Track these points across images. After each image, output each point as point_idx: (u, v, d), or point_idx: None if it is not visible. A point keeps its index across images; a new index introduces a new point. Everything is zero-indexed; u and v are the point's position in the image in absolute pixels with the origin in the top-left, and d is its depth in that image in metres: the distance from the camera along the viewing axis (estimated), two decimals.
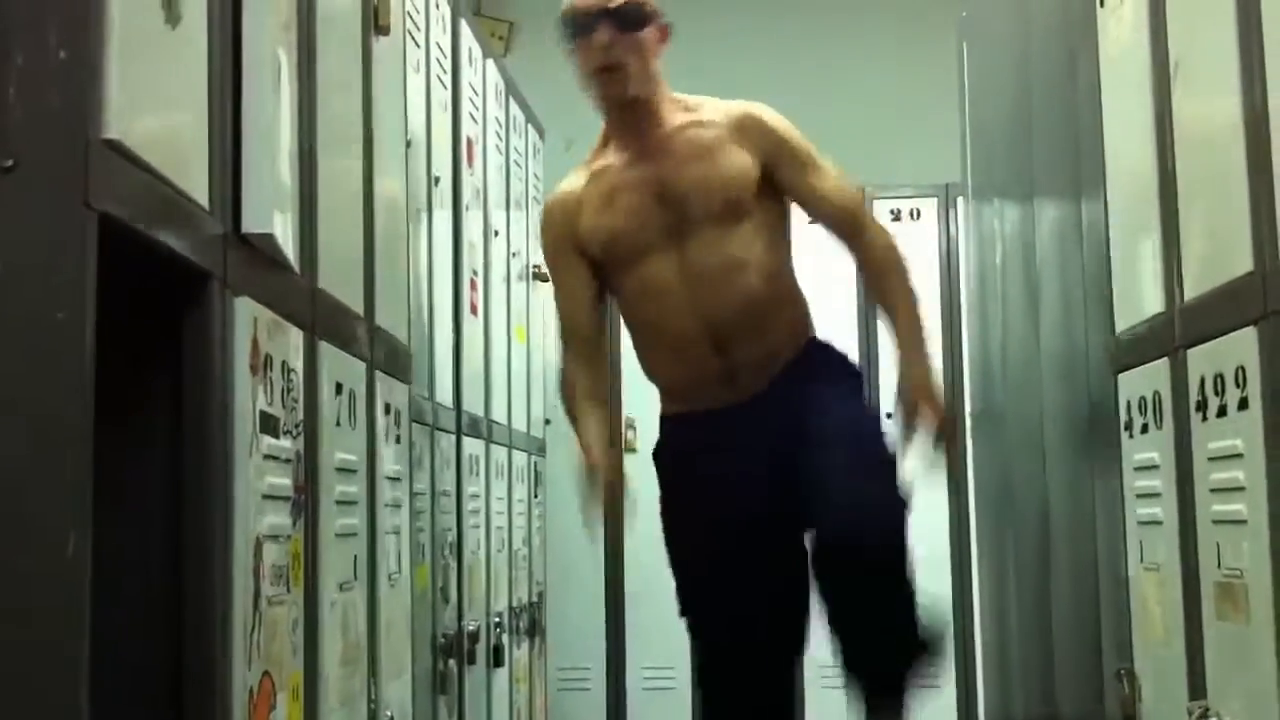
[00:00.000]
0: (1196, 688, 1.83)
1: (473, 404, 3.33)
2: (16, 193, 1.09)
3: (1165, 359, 1.93)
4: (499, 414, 3.66)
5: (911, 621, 2.35)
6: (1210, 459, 1.76)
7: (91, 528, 1.11)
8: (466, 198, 3.34)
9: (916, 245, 4.18)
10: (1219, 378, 1.72)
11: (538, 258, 4.32)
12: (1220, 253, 1.73)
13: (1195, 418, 1.81)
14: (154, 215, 1.26)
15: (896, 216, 4.69)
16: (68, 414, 1.10)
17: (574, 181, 2.57)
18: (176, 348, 1.40)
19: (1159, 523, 1.97)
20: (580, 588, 4.72)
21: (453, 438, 3.10)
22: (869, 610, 2.30)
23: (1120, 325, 2.18)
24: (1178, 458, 1.88)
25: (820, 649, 2.44)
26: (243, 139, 1.50)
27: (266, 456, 1.54)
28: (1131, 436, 2.11)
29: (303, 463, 1.69)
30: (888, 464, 2.39)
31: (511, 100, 4.01)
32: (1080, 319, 2.50)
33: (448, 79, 3.18)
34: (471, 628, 3.11)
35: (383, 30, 2.22)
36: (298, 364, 1.69)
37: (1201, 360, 1.79)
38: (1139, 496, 2.08)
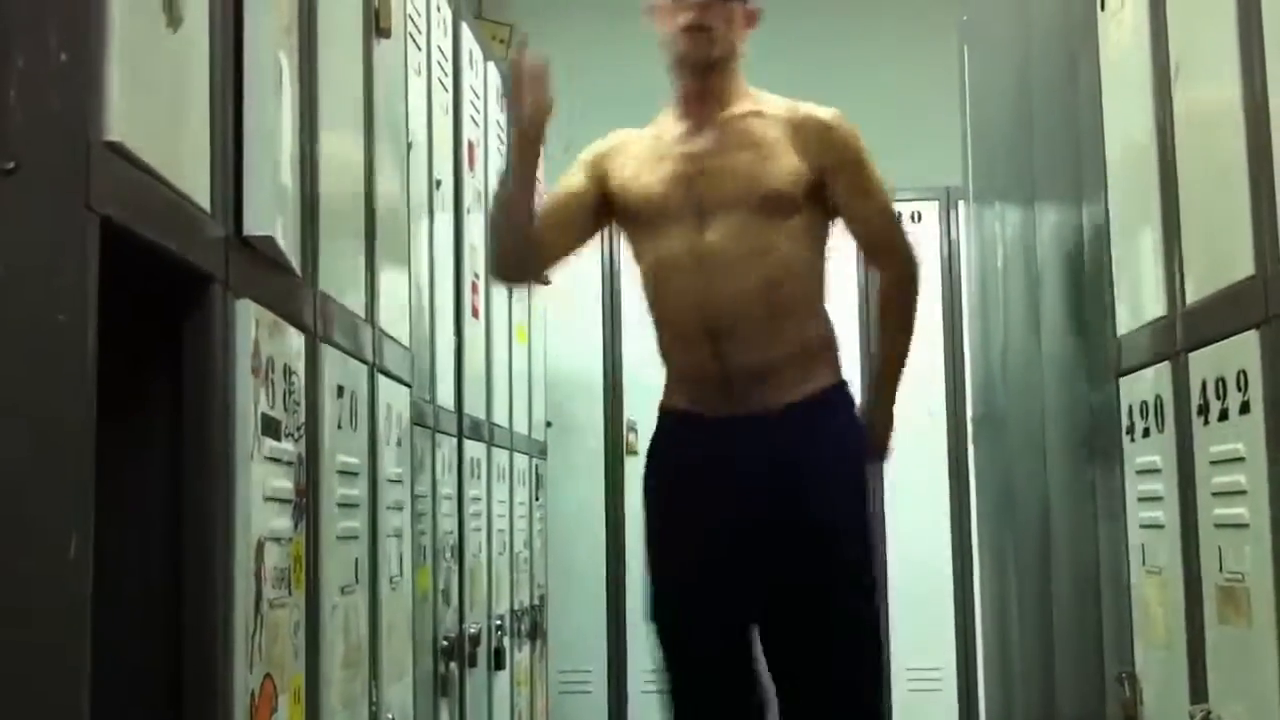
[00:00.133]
0: (1198, 691, 1.83)
1: (474, 407, 3.33)
2: (18, 195, 1.08)
3: (1167, 363, 1.93)
4: (500, 417, 3.66)
5: None
6: (1212, 463, 1.76)
7: (93, 530, 1.11)
8: (468, 200, 3.34)
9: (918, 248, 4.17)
10: (1220, 381, 1.72)
11: None
12: (1221, 256, 1.73)
13: (1197, 421, 1.81)
14: (155, 218, 1.26)
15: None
16: (69, 416, 1.10)
17: (636, 132, 2.56)
18: (178, 350, 1.40)
19: (1161, 526, 1.97)
20: (581, 590, 4.72)
21: (454, 440, 3.10)
22: None
23: (1122, 329, 2.18)
24: (1179, 461, 1.88)
25: None
26: (244, 141, 1.50)
27: (268, 459, 1.54)
28: (1133, 440, 2.11)
29: (304, 465, 1.69)
30: (870, 636, 2.43)
31: None
32: (1081, 323, 2.50)
33: (449, 81, 3.18)
34: (473, 630, 3.10)
35: (384, 33, 2.22)
36: (299, 367, 1.69)
37: (1203, 364, 1.79)
38: (1140, 500, 2.08)
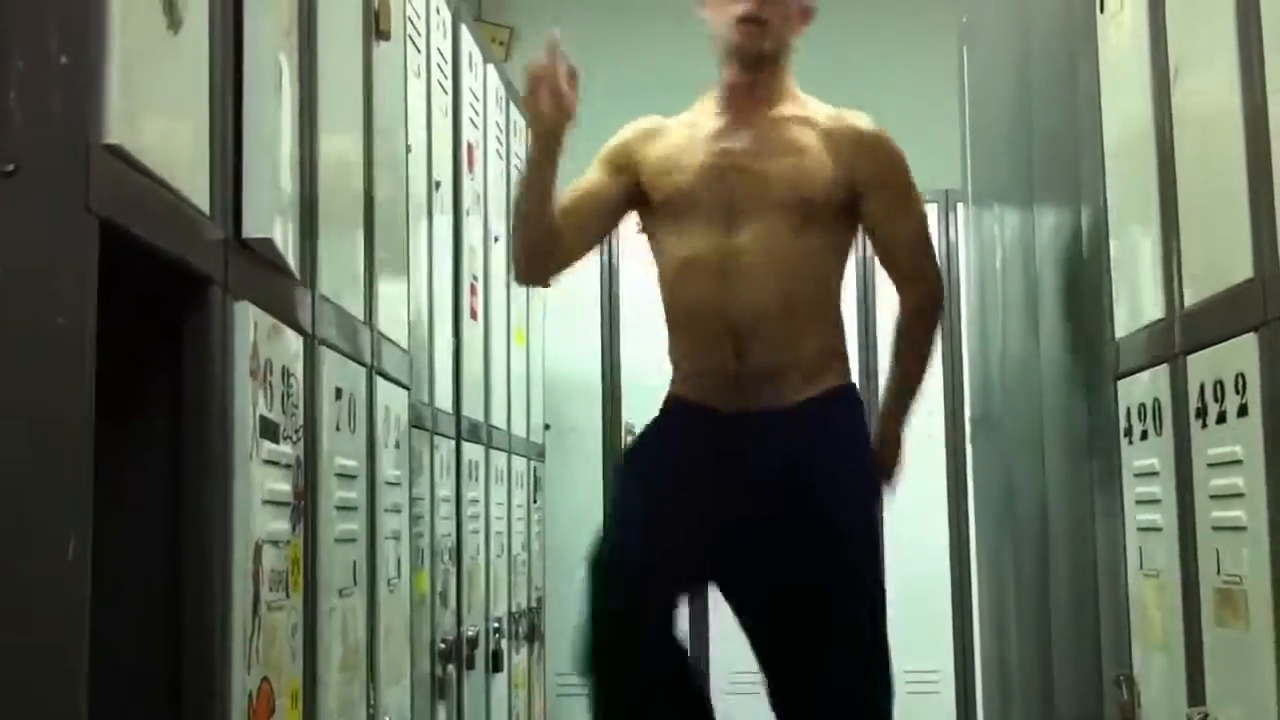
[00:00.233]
0: (1196, 694, 1.83)
1: (472, 409, 3.33)
2: (17, 198, 1.08)
3: (1165, 365, 1.93)
4: (498, 419, 3.66)
5: None
6: (1210, 465, 1.76)
7: (92, 531, 1.11)
8: (467, 203, 3.34)
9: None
10: (1219, 384, 1.72)
11: None
12: (1220, 259, 1.73)
13: (1195, 424, 1.81)
14: (155, 220, 1.26)
15: None
16: (68, 418, 1.10)
17: (669, 120, 2.49)
18: (177, 352, 1.41)
19: (1159, 529, 1.97)
20: (579, 593, 4.71)
21: (452, 443, 3.10)
22: None
23: (1120, 331, 2.18)
24: (1177, 464, 1.88)
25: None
26: (244, 144, 1.50)
27: (266, 461, 1.54)
28: (1131, 443, 2.11)
29: (302, 468, 1.69)
30: (873, 644, 2.41)
31: (512, 105, 4.01)
32: (1079, 325, 2.50)
33: (448, 84, 3.18)
34: (470, 633, 3.10)
35: (383, 35, 2.22)
36: (298, 369, 1.69)
37: (1201, 366, 1.79)
38: (1138, 503, 2.08)
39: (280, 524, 1.59)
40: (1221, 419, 1.71)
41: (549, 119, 2.27)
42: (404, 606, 2.34)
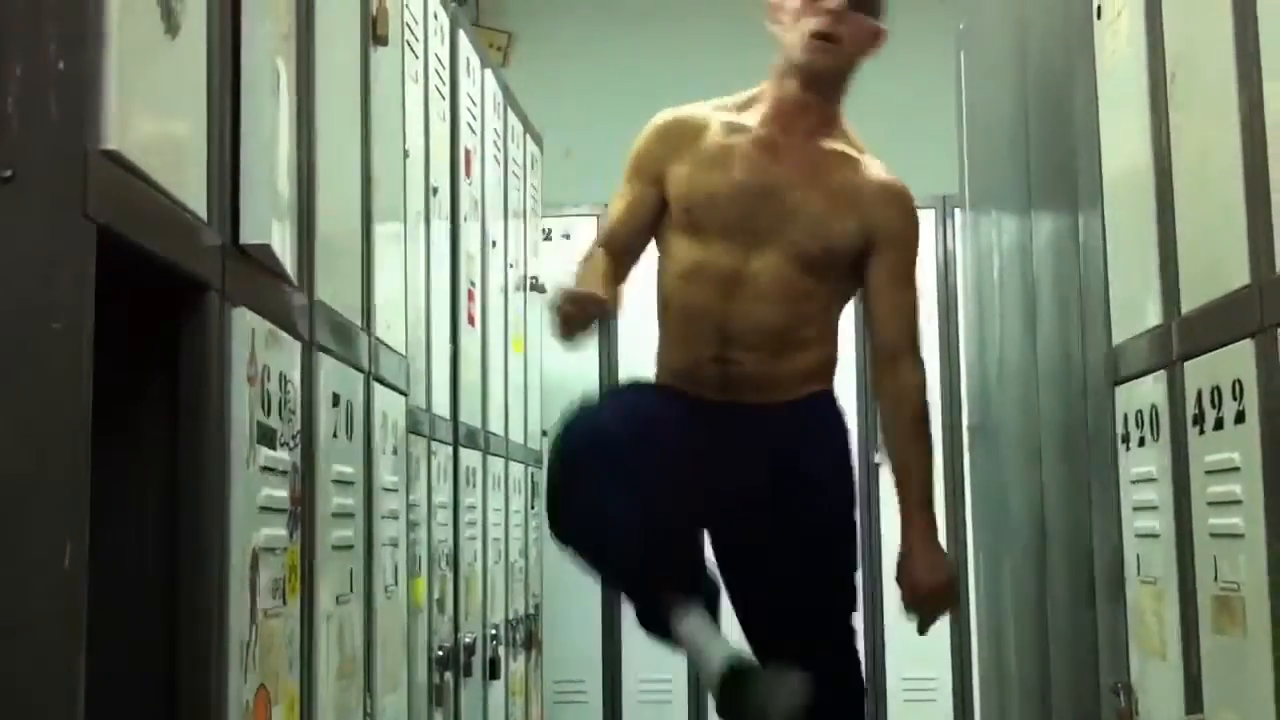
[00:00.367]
0: (1193, 701, 1.83)
1: (470, 415, 3.32)
2: (15, 203, 1.08)
3: (1162, 372, 1.93)
4: (496, 425, 3.66)
5: None
6: (1207, 472, 1.76)
7: (88, 539, 1.10)
8: (464, 208, 3.34)
9: None
10: (1216, 391, 1.72)
11: (535, 269, 4.33)
12: (1217, 266, 1.73)
13: (1192, 431, 1.81)
14: (152, 226, 1.26)
15: None
16: (65, 425, 1.10)
17: (704, 113, 2.40)
18: (174, 357, 1.40)
19: (1156, 536, 1.97)
20: (577, 600, 4.71)
21: (449, 449, 3.09)
22: None
23: (1117, 338, 2.18)
24: (1175, 471, 1.88)
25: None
26: (241, 149, 1.50)
27: (264, 468, 1.53)
28: (1128, 449, 2.11)
29: (299, 474, 1.69)
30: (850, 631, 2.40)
31: (510, 111, 4.01)
32: (1077, 331, 2.50)
33: (446, 90, 3.18)
34: (468, 640, 3.10)
35: (381, 41, 2.22)
36: (295, 375, 1.68)
37: (1198, 373, 1.79)
38: (1136, 509, 2.08)
39: (277, 531, 1.59)
40: (1219, 425, 1.71)
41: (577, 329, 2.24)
42: (401, 614, 2.34)
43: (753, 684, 2.13)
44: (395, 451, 2.28)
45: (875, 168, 2.40)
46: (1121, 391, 2.15)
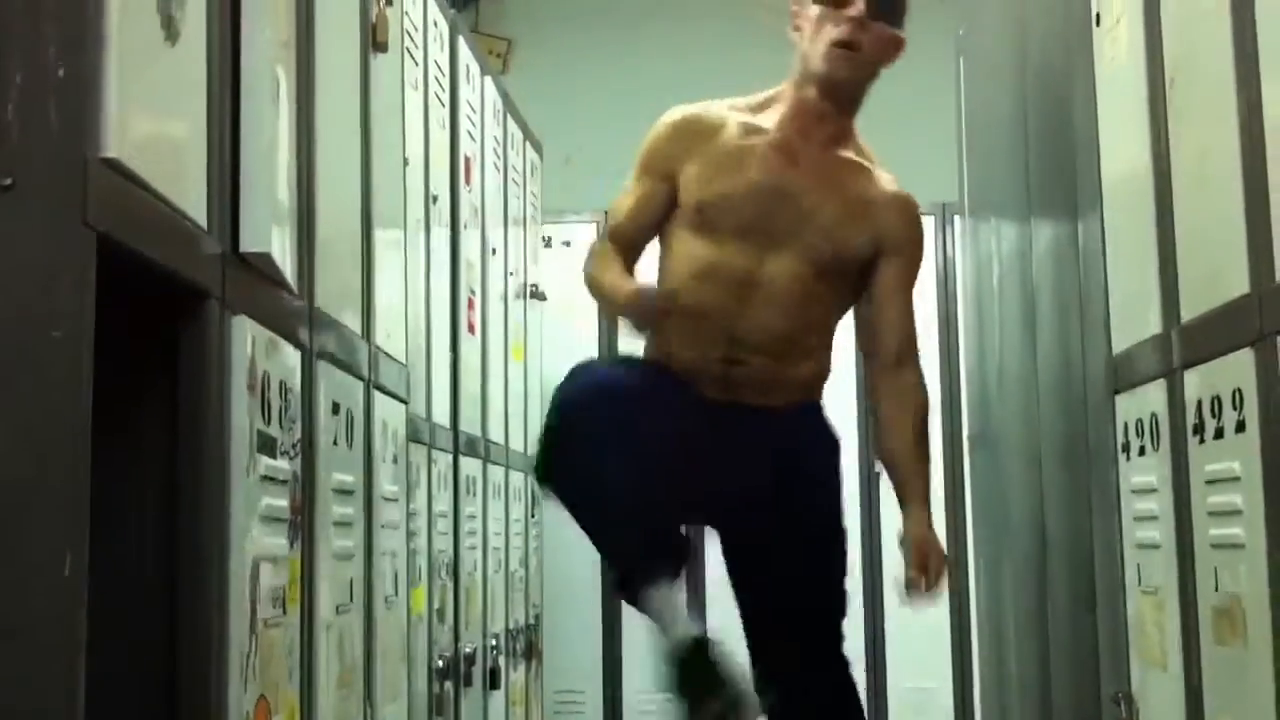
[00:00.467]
0: (1195, 711, 1.82)
1: (470, 423, 3.32)
2: (14, 211, 1.08)
3: (1162, 380, 1.93)
4: (496, 434, 3.65)
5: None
6: (1208, 482, 1.75)
7: (88, 547, 1.10)
8: (464, 216, 3.34)
9: None
10: (1216, 400, 1.72)
11: (535, 276, 4.33)
12: (1217, 274, 1.73)
13: (1193, 440, 1.80)
14: (152, 234, 1.26)
15: None
16: (65, 434, 1.10)
17: (719, 112, 2.39)
18: (173, 365, 1.40)
19: (1157, 546, 1.96)
20: (577, 610, 4.71)
21: (450, 457, 3.09)
22: None
23: (1117, 346, 2.18)
24: (1175, 481, 1.88)
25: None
26: (241, 157, 1.50)
27: (264, 477, 1.53)
28: (1129, 459, 2.11)
29: (300, 483, 1.69)
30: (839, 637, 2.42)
31: (509, 118, 4.01)
32: (1077, 339, 2.50)
33: (446, 97, 3.19)
34: (468, 650, 3.09)
35: (381, 48, 2.22)
36: (295, 383, 1.68)
37: (1199, 382, 1.79)
38: (1136, 519, 2.07)
39: (277, 540, 1.58)
40: (1219, 435, 1.71)
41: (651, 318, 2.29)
42: (401, 623, 2.33)
43: (703, 673, 2.17)
44: (395, 460, 2.28)
45: (886, 179, 2.41)
46: (1121, 400, 2.15)
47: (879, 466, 4.88)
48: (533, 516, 4.19)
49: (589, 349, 4.83)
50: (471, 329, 3.41)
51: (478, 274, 3.51)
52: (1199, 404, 1.78)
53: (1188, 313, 1.84)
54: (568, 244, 4.66)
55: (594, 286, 2.42)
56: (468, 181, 3.40)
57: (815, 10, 2.31)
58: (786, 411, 2.39)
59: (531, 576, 4.09)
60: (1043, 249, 2.83)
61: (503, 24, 6.13)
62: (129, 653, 1.34)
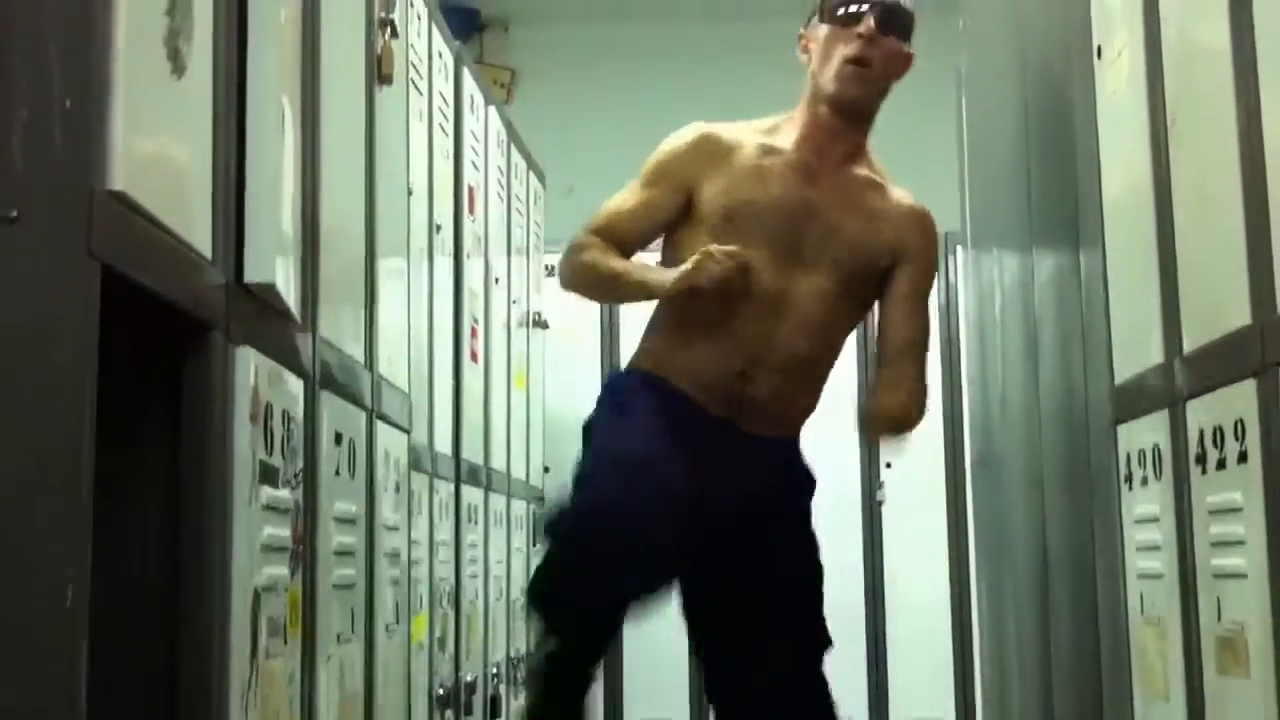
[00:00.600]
0: None
1: (472, 452, 3.32)
2: (20, 243, 1.09)
3: (1165, 411, 1.93)
4: (498, 462, 3.65)
5: None
6: (1210, 512, 1.75)
7: (90, 578, 1.10)
8: (468, 245, 3.35)
9: None
10: (1218, 430, 1.72)
11: (538, 305, 4.34)
12: (1218, 305, 1.73)
13: (1195, 470, 1.80)
14: (156, 265, 1.26)
15: None
16: (68, 464, 1.10)
17: (737, 133, 2.39)
18: (176, 396, 1.40)
19: (1159, 576, 1.96)
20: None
21: (451, 486, 3.09)
22: None
23: (1120, 376, 2.18)
24: (1177, 511, 1.88)
25: None
26: (246, 188, 1.51)
27: (265, 507, 1.53)
28: (1131, 489, 2.10)
29: (302, 513, 1.69)
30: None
31: (513, 148, 4.03)
32: (1079, 369, 2.50)
33: (450, 127, 3.20)
34: (469, 679, 3.09)
35: (386, 80, 2.24)
36: (298, 413, 1.69)
37: (1201, 413, 1.79)
38: (1139, 549, 2.07)
39: (279, 570, 1.58)
40: (1221, 465, 1.71)
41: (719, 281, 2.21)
42: (402, 652, 2.33)
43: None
44: (398, 489, 2.28)
45: (900, 193, 2.42)
46: (1124, 430, 2.15)
47: (881, 495, 4.93)
48: (534, 545, 4.18)
49: (592, 377, 4.84)
50: (474, 357, 3.41)
51: (481, 303, 3.52)
52: (1201, 434, 1.78)
53: (1190, 343, 1.85)
54: None
55: (593, 270, 2.34)
56: (471, 211, 3.41)
57: (824, 30, 2.33)
58: (777, 442, 2.38)
59: None
60: (1045, 279, 2.83)
61: (507, 54, 6.16)
62: (130, 683, 1.34)
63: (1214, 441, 1.73)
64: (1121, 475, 2.15)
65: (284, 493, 1.61)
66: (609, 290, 2.48)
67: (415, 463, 2.59)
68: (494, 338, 3.64)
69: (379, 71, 2.21)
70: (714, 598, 2.36)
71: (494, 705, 3.38)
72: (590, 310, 4.70)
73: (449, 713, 2.88)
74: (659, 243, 2.45)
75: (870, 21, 2.28)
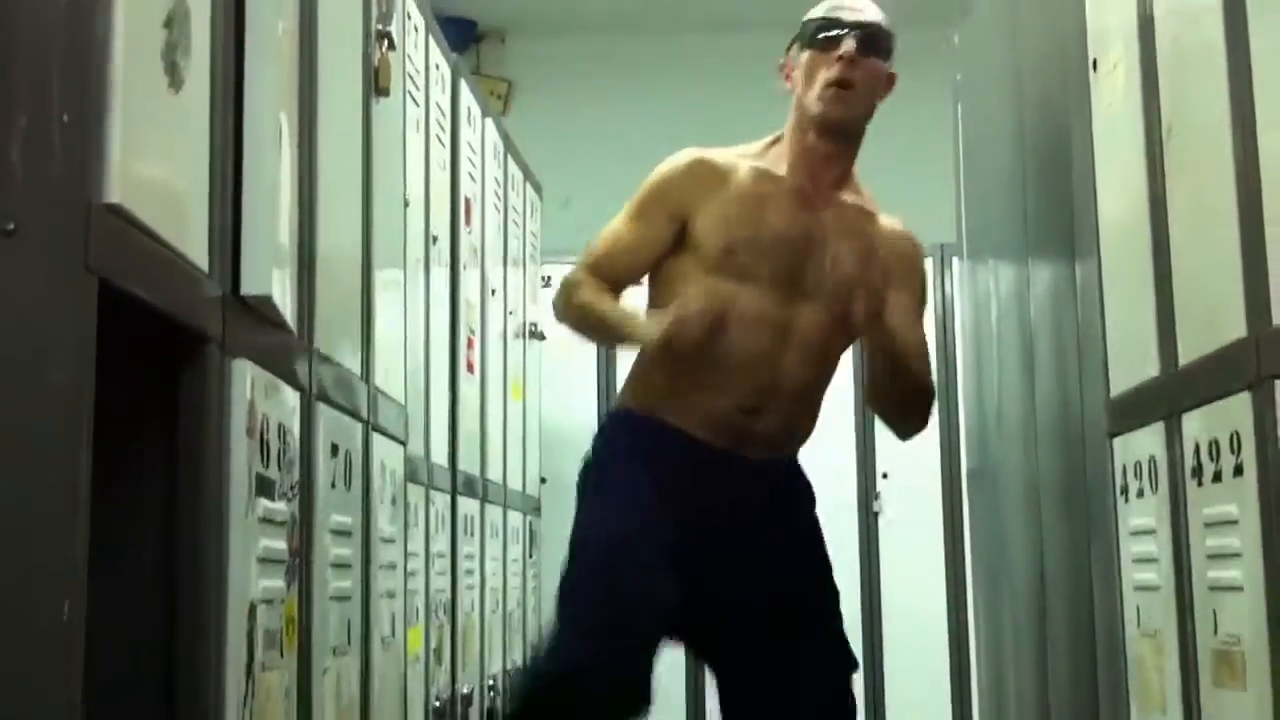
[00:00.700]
0: None
1: (468, 463, 3.32)
2: (17, 256, 1.09)
3: (1160, 423, 1.93)
4: (494, 473, 3.65)
5: None
6: (1206, 525, 1.75)
7: (86, 593, 1.10)
8: (464, 256, 3.35)
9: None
10: (1214, 443, 1.72)
11: (534, 316, 4.34)
12: (1214, 317, 1.74)
13: (1191, 483, 1.81)
14: (153, 279, 1.27)
15: None
16: (64, 475, 1.10)
17: (730, 158, 2.37)
18: (173, 409, 1.40)
19: (1155, 588, 1.96)
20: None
21: (448, 497, 3.09)
22: None
23: (1115, 388, 2.19)
24: (1173, 523, 1.88)
25: None
26: (243, 201, 1.51)
27: (262, 520, 1.53)
28: (1127, 501, 2.11)
29: (298, 525, 1.69)
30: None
31: (510, 159, 4.03)
32: (1075, 380, 2.51)
33: (446, 138, 3.21)
34: (465, 691, 3.08)
35: (383, 92, 2.24)
36: (294, 425, 1.69)
37: (1197, 425, 1.79)
38: (1135, 561, 2.07)
39: (275, 583, 1.58)
40: (1217, 478, 1.71)
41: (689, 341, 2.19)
42: (398, 664, 2.33)
43: None
44: (394, 501, 2.28)
45: (888, 219, 2.42)
46: (1120, 442, 2.15)
47: (878, 506, 4.93)
48: (530, 557, 4.18)
49: (588, 388, 4.84)
50: (470, 368, 3.41)
51: (477, 314, 3.52)
52: (1197, 447, 1.78)
53: (1185, 356, 1.85)
54: None
55: (584, 315, 2.34)
56: (468, 222, 3.42)
57: (805, 56, 2.33)
58: (777, 463, 2.37)
59: (529, 617, 4.08)
60: (1041, 290, 2.84)
61: (504, 66, 6.17)
62: (127, 697, 1.34)
63: (1210, 454, 1.74)
64: (1117, 487, 2.15)
65: (280, 505, 1.61)
66: (599, 338, 2.49)
67: (411, 474, 2.58)
68: (490, 349, 3.64)
69: (376, 84, 2.21)
70: (737, 642, 2.32)
71: (490, 717, 3.38)
72: None
73: None
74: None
75: (850, 44, 2.28)
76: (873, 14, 2.32)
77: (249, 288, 1.50)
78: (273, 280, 1.55)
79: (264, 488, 1.54)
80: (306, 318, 1.77)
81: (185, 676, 1.36)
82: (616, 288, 2.37)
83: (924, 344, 2.41)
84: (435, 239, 3.03)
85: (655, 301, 2.38)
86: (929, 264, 4.77)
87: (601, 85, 6.10)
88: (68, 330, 1.10)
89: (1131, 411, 2.08)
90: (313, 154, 1.79)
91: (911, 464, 4.79)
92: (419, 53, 2.84)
